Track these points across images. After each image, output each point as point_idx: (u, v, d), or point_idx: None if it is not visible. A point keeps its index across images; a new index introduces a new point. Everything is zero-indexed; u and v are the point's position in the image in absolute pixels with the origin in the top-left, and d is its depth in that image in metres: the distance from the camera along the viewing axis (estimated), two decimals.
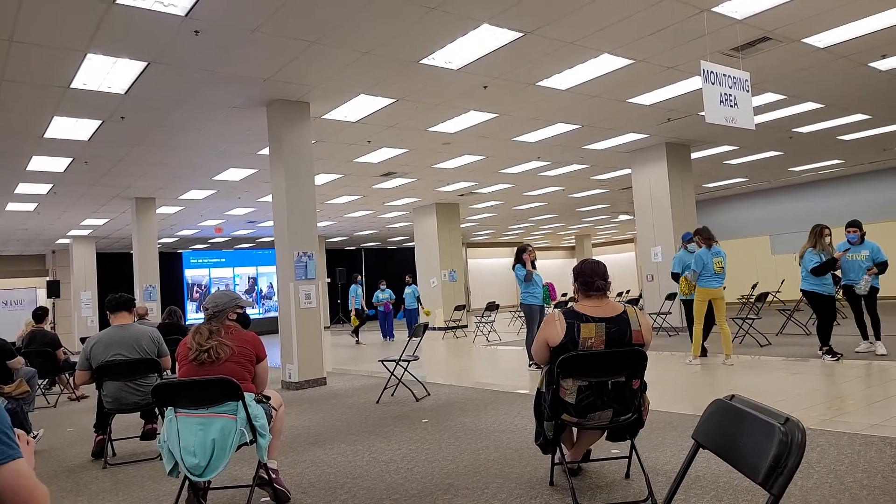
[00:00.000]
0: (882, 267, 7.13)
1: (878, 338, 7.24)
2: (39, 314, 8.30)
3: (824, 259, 7.03)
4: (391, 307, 15.22)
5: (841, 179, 17.42)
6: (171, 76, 6.70)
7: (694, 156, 12.58)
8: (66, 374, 8.27)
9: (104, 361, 4.52)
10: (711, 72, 5.71)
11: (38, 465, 4.69)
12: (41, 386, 8.16)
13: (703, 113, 5.82)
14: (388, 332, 14.97)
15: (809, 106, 9.69)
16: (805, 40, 6.91)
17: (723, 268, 7.50)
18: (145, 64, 6.31)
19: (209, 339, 3.31)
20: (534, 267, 8.11)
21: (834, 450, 3.71)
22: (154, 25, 5.48)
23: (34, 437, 5.29)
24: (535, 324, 7.91)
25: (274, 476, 3.40)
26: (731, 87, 5.82)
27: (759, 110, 9.34)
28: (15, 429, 1.49)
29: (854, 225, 7.28)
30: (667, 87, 8.30)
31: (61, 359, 8.11)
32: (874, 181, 16.92)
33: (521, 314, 8.34)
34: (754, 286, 15.10)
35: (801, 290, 7.25)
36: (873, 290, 7.14)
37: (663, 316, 11.44)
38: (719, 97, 5.71)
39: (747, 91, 5.98)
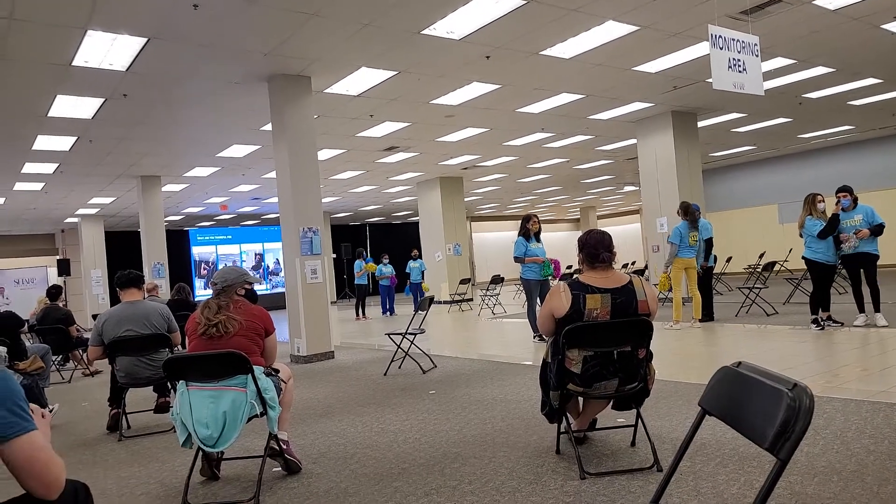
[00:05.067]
0: (878, 229, 6.85)
1: (877, 309, 6.98)
2: (54, 292, 8.40)
3: (825, 223, 6.99)
4: (395, 281, 15.22)
5: (851, 146, 17.19)
6: (172, 52, 6.64)
7: (700, 124, 12.42)
8: (80, 351, 8.39)
9: (116, 337, 4.58)
10: (719, 36, 5.59)
11: (55, 438, 4.79)
12: (55, 362, 8.28)
13: (710, 80, 5.73)
14: (389, 308, 14.97)
15: (820, 70, 9.52)
16: (815, 2, 6.75)
17: (696, 240, 8.28)
18: (145, 40, 6.25)
19: (217, 313, 3.34)
20: (538, 238, 8.08)
21: (840, 416, 3.73)
22: (152, 0, 5.41)
23: (50, 412, 5.40)
24: (534, 297, 7.94)
25: (285, 447, 3.45)
26: (739, 52, 5.70)
27: (768, 75, 9.18)
28: (31, 403, 1.52)
29: (845, 190, 7.07)
30: (673, 54, 8.15)
31: (74, 335, 8.22)
32: (885, 147, 16.69)
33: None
34: (761, 255, 15.05)
35: (804, 257, 7.20)
36: (873, 257, 6.89)
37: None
38: (727, 62, 5.60)
39: (756, 56, 5.86)
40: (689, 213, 8.27)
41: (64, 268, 19.62)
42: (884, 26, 7.73)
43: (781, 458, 1.41)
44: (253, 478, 3.37)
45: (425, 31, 6.66)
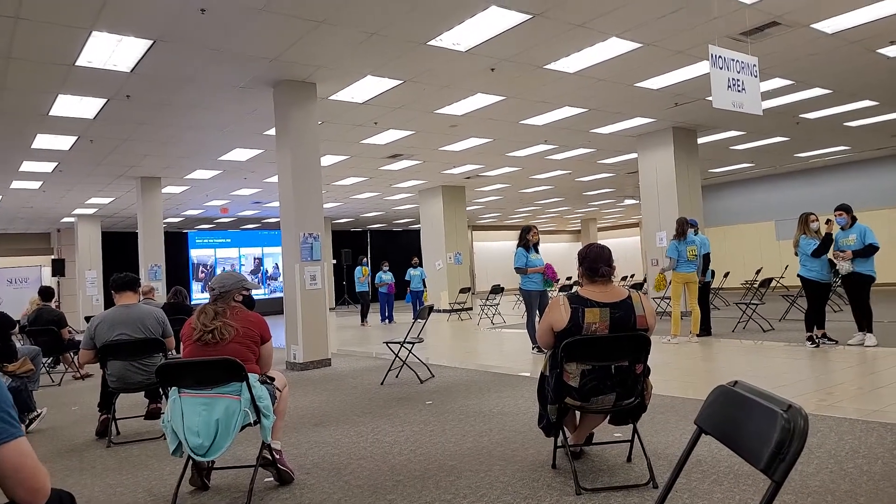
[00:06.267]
0: (864, 251, 6.83)
1: (869, 329, 6.95)
2: (47, 293, 8.35)
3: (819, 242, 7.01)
4: (394, 289, 15.21)
5: (847, 165, 17.29)
6: (177, 55, 6.66)
7: (700, 141, 12.49)
8: (71, 353, 8.33)
9: (109, 341, 4.53)
10: (720, 56, 5.64)
11: (42, 443, 4.76)
12: (45, 364, 8.22)
13: (710, 98, 5.77)
14: (387, 315, 14.95)
15: (817, 92, 9.60)
16: (814, 26, 6.82)
17: (696, 255, 8.24)
18: (151, 42, 6.28)
19: (214, 319, 3.32)
20: (537, 249, 8.09)
21: (834, 435, 3.72)
22: (160, 3, 5.43)
23: (38, 416, 5.35)
24: (533, 309, 7.94)
25: (278, 457, 3.42)
26: (739, 72, 5.75)
27: (766, 95, 9.25)
28: None
29: (841, 208, 7.09)
30: (675, 72, 8.21)
31: (66, 338, 8.17)
32: (881, 167, 16.79)
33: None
34: (758, 271, 15.07)
35: (799, 276, 7.22)
36: (865, 277, 6.87)
37: (667, 301, 11.44)
38: (727, 82, 5.65)
39: (755, 76, 5.91)
40: (677, 225, 8.29)
41: (58, 268, 19.53)
42: (880, 51, 7.80)
43: (776, 479, 1.41)
44: (244, 488, 3.34)
45: (432, 42, 6.69)
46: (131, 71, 7.02)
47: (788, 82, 8.98)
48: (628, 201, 23.14)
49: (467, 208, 19.51)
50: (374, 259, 21.40)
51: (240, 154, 11.67)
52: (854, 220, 7.09)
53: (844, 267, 6.94)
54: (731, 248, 18.93)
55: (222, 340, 3.28)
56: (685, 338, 8.33)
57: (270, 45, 6.57)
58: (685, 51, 7.39)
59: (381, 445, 4.12)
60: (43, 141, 9.83)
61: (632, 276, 22.20)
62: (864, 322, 7.00)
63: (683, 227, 8.25)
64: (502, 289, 14.27)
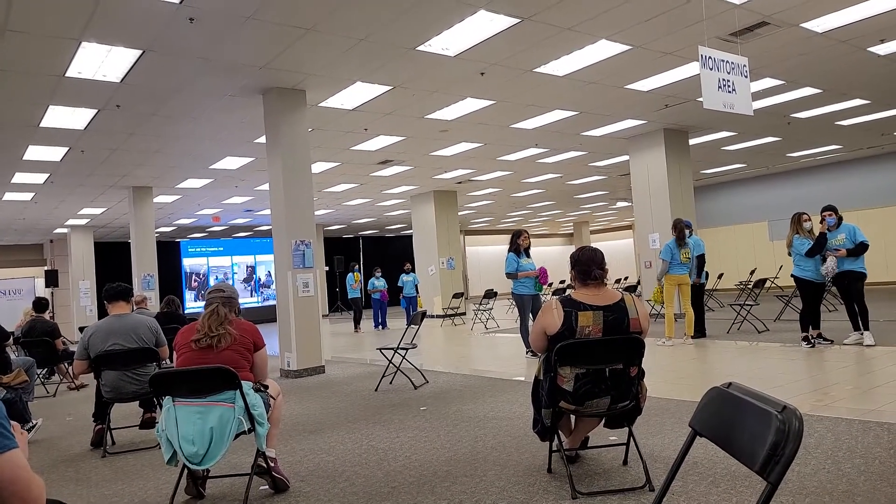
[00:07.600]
0: (860, 248, 6.88)
1: (866, 328, 6.98)
2: (41, 304, 8.30)
3: (812, 242, 7.04)
4: (387, 296, 15.18)
5: (839, 165, 17.39)
6: (167, 64, 6.64)
7: (692, 142, 12.54)
8: (66, 364, 8.28)
9: (102, 351, 4.53)
10: (710, 57, 5.66)
11: (38, 454, 4.73)
12: (40, 375, 8.17)
13: (701, 99, 5.79)
14: (381, 321, 14.93)
15: (808, 91, 9.65)
16: (803, 25, 6.87)
17: (689, 258, 8.25)
18: (140, 52, 6.26)
19: (220, 326, 3.32)
20: (528, 254, 8.08)
21: (831, 436, 3.72)
22: (148, 13, 5.42)
23: (33, 427, 5.32)
24: (526, 313, 7.93)
25: (272, 464, 3.41)
26: (729, 73, 5.78)
27: (757, 96, 9.30)
28: (10, 420, 1.49)
29: (830, 209, 7.14)
30: (665, 73, 8.25)
31: (60, 348, 8.12)
32: (872, 166, 16.89)
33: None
34: (752, 272, 15.13)
35: (793, 276, 7.24)
36: (858, 274, 6.91)
37: (660, 303, 11.44)
38: (717, 83, 5.67)
39: (746, 76, 5.94)
40: (677, 229, 8.30)
41: (52, 279, 19.41)
42: (870, 49, 7.85)
43: (771, 481, 1.40)
44: (239, 496, 3.32)
45: (420, 48, 6.70)
46: (121, 81, 6.99)
47: (779, 82, 9.03)
48: (621, 204, 23.21)
49: (459, 213, 19.51)
50: (367, 265, 21.35)
51: (230, 162, 11.64)
52: (840, 219, 7.13)
53: (829, 267, 6.90)
54: (724, 249, 19.00)
55: (217, 347, 3.28)
56: (680, 340, 8.34)
57: (259, 53, 6.56)
58: (675, 52, 7.42)
59: (376, 452, 4.10)
60: (35, 152, 9.78)
61: (625, 278, 22.29)
62: (862, 321, 7.02)
63: (682, 232, 8.25)
64: (495, 293, 14.26)
